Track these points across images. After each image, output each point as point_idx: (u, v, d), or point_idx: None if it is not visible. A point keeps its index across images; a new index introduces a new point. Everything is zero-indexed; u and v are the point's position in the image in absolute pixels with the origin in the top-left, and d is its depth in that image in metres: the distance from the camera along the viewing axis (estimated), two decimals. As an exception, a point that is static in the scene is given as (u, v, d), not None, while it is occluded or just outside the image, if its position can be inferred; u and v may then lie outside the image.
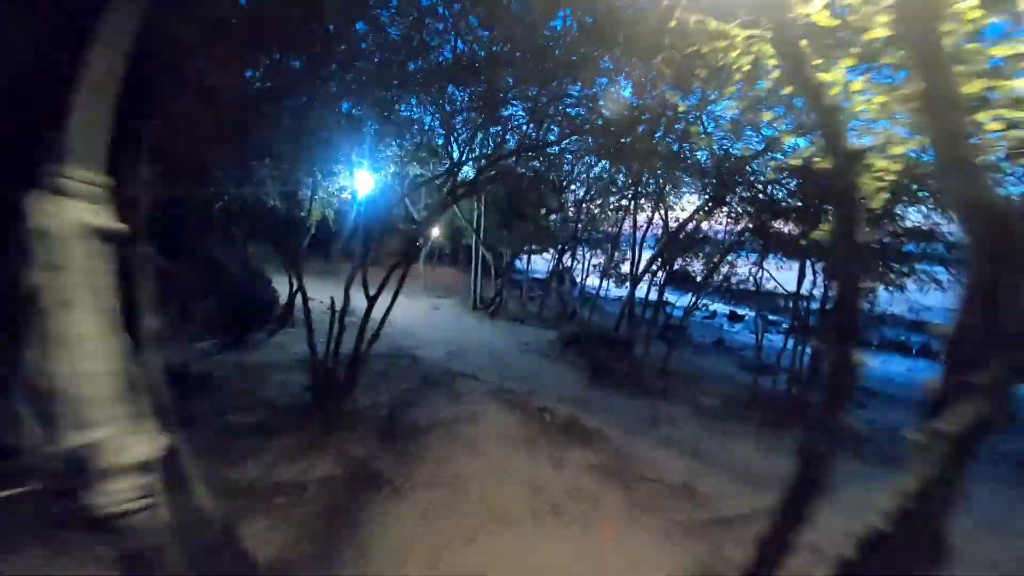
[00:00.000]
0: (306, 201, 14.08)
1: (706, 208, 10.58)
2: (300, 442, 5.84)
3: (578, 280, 23.41)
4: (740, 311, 37.16)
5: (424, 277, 21.19)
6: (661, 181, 11.87)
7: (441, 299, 19.66)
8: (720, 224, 11.28)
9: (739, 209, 10.10)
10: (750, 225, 10.17)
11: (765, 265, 12.51)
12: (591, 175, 15.89)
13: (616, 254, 21.67)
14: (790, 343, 11.33)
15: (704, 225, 11.13)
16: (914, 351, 33.44)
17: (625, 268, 21.16)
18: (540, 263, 26.11)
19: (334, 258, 26.80)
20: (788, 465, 2.58)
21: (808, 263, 11.16)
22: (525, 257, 22.94)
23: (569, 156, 16.86)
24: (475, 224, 17.28)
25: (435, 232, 28.36)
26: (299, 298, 7.95)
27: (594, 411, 8.65)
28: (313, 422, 6.39)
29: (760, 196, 9.37)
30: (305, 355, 7.77)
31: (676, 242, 11.75)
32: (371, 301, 7.35)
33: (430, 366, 10.03)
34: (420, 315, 15.63)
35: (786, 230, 9.76)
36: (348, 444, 5.96)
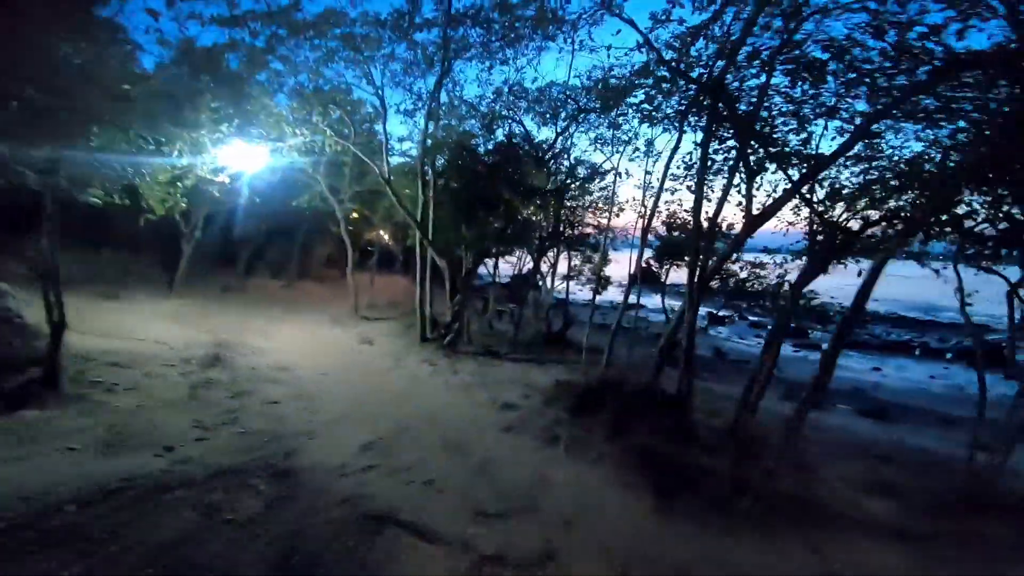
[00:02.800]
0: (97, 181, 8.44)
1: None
2: None
3: (551, 287, 18.35)
4: (721, 312, 33.24)
5: (357, 294, 15.59)
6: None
7: (378, 323, 14.13)
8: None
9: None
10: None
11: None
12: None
13: (598, 255, 16.91)
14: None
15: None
16: (916, 352, 30.18)
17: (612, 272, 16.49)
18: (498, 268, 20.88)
19: (243, 271, 20.71)
20: None
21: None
22: (490, 261, 17.72)
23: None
24: (420, 218, 11.92)
25: (382, 235, 22.81)
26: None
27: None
28: None
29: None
30: None
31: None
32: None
33: (315, 496, 4.61)
34: (339, 356, 10.11)
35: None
36: None
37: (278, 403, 7.11)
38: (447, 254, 12.55)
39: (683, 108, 7.27)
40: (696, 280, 6.79)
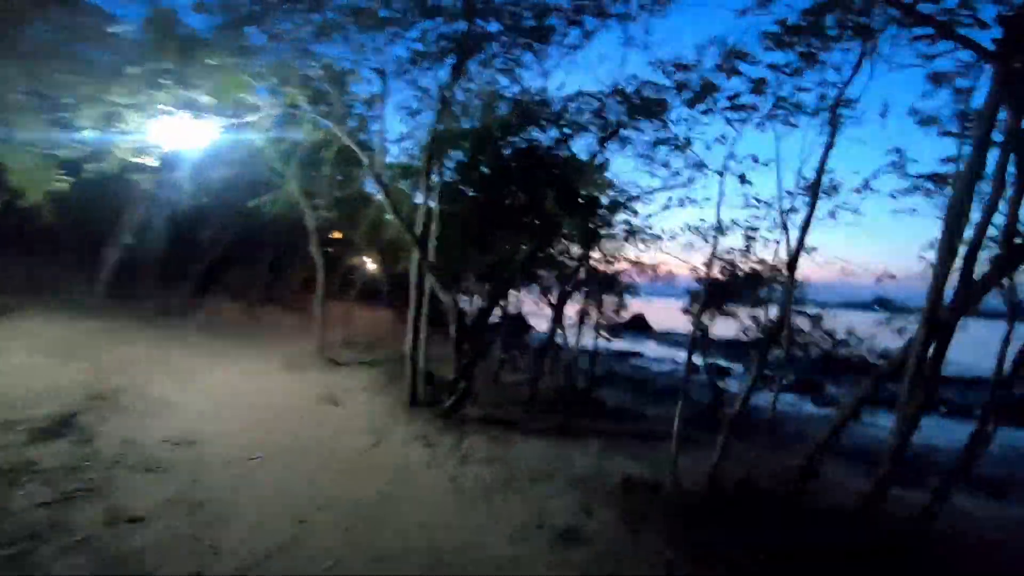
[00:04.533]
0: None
1: None
2: None
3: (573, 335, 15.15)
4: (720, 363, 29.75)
5: (325, 329, 12.19)
6: None
7: (351, 371, 10.73)
8: None
9: None
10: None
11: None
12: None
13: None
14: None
15: None
16: (943, 409, 26.96)
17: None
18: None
19: (193, 289, 17.12)
20: None
21: None
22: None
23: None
24: (420, 235, 8.79)
25: (365, 260, 19.56)
26: None
27: None
28: None
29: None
30: None
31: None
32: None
33: None
34: (287, 423, 6.70)
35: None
36: None
37: (140, 521, 3.74)
38: (451, 285, 9.40)
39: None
40: (927, 341, 3.78)
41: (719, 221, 6.61)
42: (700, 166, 7.21)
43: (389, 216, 13.41)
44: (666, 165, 9.32)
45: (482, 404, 9.53)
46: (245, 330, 14.90)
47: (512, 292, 16.55)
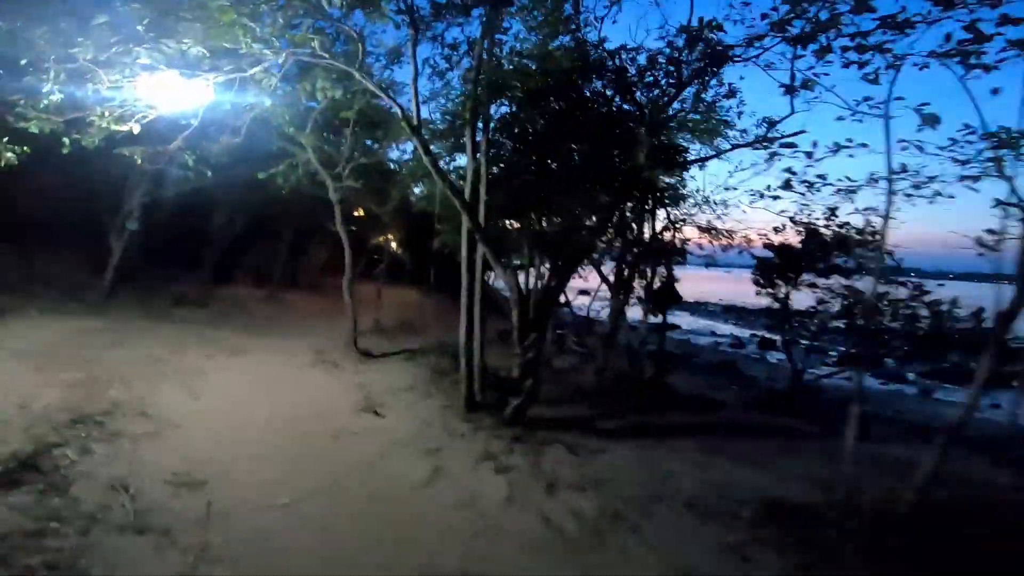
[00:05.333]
0: None
1: None
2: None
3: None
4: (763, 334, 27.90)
5: (357, 317, 10.83)
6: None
7: (389, 364, 9.41)
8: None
9: None
10: None
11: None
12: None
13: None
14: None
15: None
16: (1013, 383, 24.32)
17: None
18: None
19: (209, 277, 15.96)
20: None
21: None
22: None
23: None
24: (470, 200, 7.29)
25: (390, 238, 18.16)
26: None
27: None
28: None
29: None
30: None
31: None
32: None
33: None
34: (320, 445, 5.38)
35: None
36: None
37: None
38: (504, 257, 7.90)
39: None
40: None
41: (890, 170, 4.94)
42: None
43: (421, 189, 11.93)
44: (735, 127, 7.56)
45: (543, 400, 8.16)
46: (267, 319, 13.72)
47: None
